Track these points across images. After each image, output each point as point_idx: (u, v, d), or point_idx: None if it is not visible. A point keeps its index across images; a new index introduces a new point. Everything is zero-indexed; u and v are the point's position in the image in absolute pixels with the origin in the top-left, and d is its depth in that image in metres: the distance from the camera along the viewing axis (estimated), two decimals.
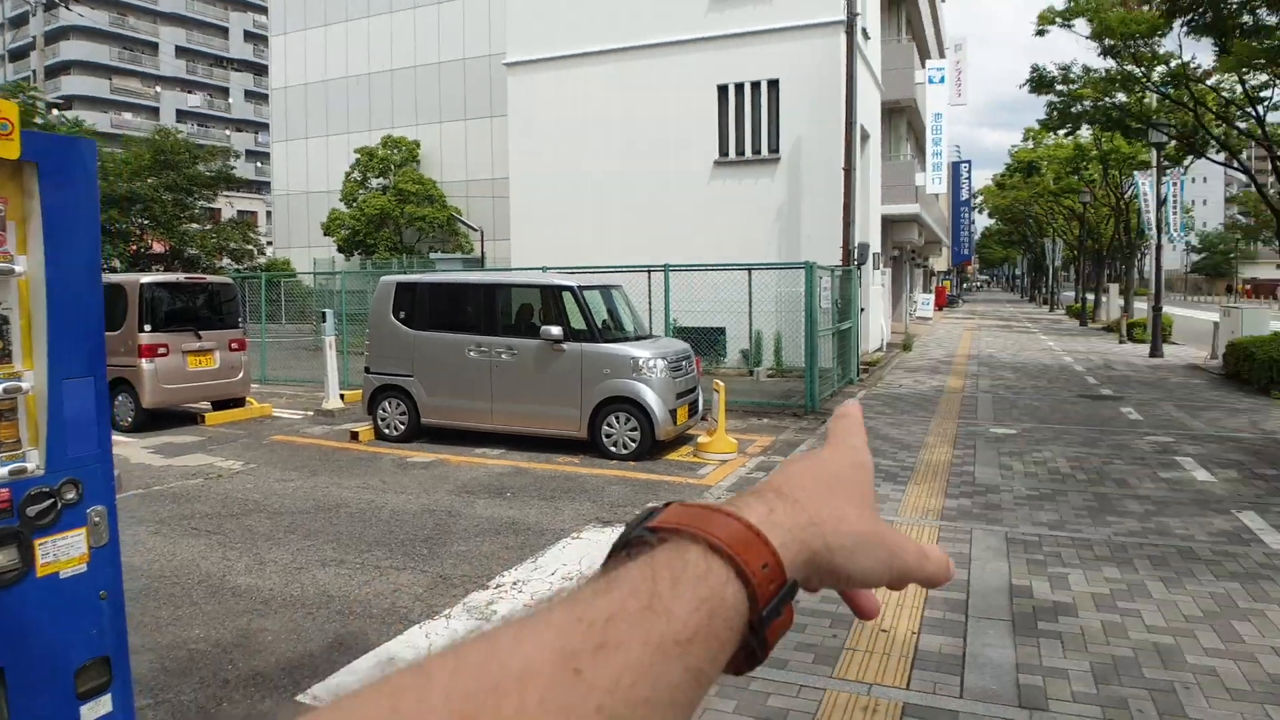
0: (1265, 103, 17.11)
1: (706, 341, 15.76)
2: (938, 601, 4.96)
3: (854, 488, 0.55)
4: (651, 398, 8.65)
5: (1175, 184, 25.84)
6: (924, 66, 27.25)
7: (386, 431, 10.20)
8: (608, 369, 8.82)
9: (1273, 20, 14.18)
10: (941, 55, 37.51)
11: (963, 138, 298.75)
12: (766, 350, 16.36)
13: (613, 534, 6.49)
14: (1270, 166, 15.98)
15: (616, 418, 8.83)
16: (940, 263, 55.62)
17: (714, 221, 17.22)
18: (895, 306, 30.09)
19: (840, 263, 15.35)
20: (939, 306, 43.51)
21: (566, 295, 9.12)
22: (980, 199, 60.15)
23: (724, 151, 17.64)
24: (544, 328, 8.98)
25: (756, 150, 17.43)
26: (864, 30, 18.35)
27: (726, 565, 0.44)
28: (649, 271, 12.89)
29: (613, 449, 8.85)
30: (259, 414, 12.36)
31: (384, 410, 10.22)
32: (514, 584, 5.50)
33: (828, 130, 16.38)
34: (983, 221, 78.11)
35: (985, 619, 4.75)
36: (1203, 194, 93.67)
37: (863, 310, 18.35)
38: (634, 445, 8.77)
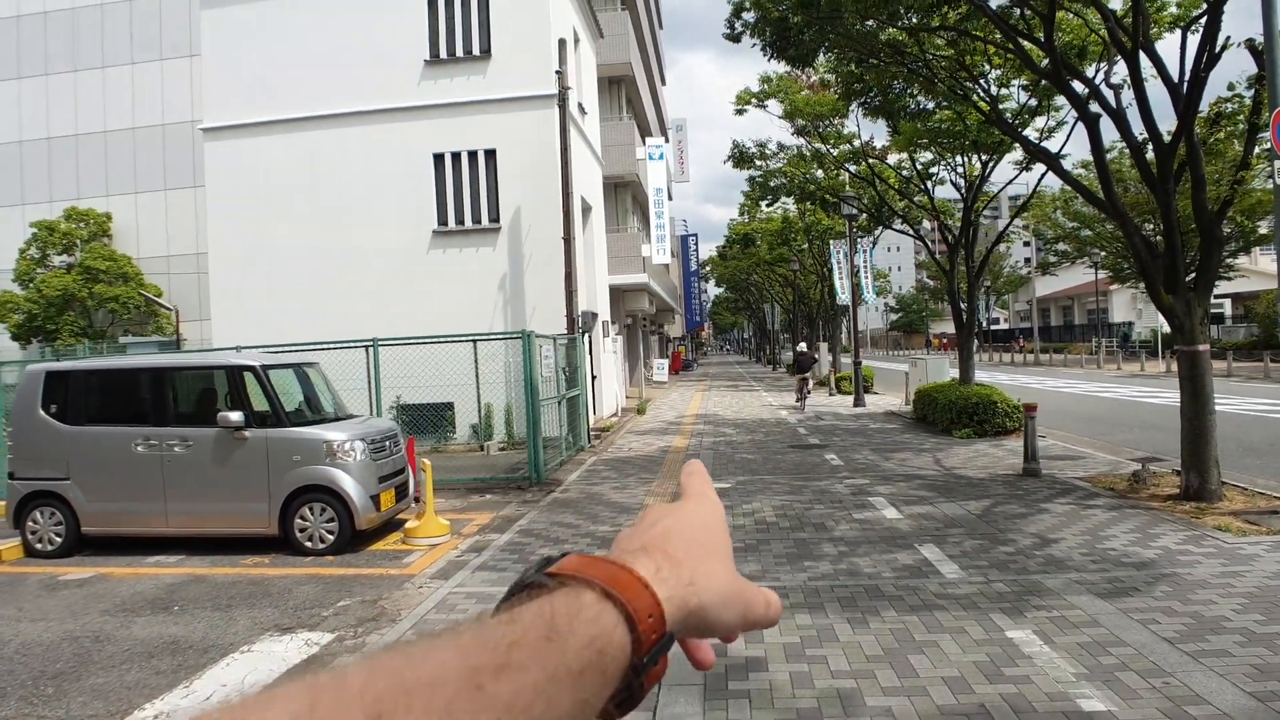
0: (933, 179, 19.53)
1: (434, 418, 15.10)
2: None
3: (720, 543, 0.59)
4: (349, 484, 7.90)
5: (865, 252, 28.86)
6: (645, 144, 28.67)
7: (39, 547, 8.66)
8: (298, 455, 7.98)
9: (930, 105, 16.16)
10: (664, 135, 39.83)
11: (690, 212, 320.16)
12: (498, 423, 15.95)
13: (290, 642, 5.74)
14: (940, 236, 18.12)
15: (311, 509, 7.97)
16: (675, 329, 58.41)
17: (437, 292, 16.67)
18: (632, 372, 30.90)
19: (565, 331, 15.39)
20: (675, 370, 45.38)
21: (249, 376, 8.20)
22: (708, 269, 64.15)
23: (443, 220, 17.24)
24: (221, 414, 8.01)
25: (477, 219, 17.21)
26: (580, 106, 18.92)
27: (618, 611, 0.47)
28: (366, 347, 12.11)
29: (308, 544, 7.96)
30: None
31: (35, 522, 8.68)
32: (156, 718, 4.66)
33: (547, 201, 16.53)
34: (714, 290, 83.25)
35: (677, 685, 4.59)
36: (897, 261, 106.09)
37: (595, 377, 18.54)
38: (332, 538, 7.96)
